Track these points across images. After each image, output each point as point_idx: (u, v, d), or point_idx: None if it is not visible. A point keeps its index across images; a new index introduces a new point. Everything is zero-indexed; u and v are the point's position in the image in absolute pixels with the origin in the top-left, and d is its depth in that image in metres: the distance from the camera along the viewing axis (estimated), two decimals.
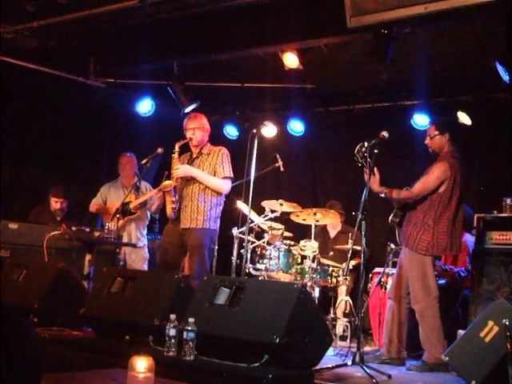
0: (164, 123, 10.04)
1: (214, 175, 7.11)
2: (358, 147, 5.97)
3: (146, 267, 8.72)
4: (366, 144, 5.94)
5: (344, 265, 8.02)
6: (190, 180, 7.11)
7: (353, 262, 8.24)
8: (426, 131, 6.61)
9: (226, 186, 7.15)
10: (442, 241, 6.15)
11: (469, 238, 7.44)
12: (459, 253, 6.71)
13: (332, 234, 9.19)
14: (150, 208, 8.53)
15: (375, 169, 6.14)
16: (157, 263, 9.05)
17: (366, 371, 5.21)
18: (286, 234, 8.17)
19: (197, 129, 7.19)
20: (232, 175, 7.18)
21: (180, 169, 7.05)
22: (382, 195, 6.26)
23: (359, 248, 6.29)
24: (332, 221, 8.62)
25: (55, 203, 8.82)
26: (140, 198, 8.54)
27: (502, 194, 7.04)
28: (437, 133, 6.37)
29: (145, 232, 8.89)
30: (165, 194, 7.18)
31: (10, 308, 2.51)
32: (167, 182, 7.06)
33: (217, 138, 7.61)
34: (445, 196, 6.17)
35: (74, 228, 7.32)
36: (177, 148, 7.15)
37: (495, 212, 6.94)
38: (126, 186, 8.73)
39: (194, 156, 7.27)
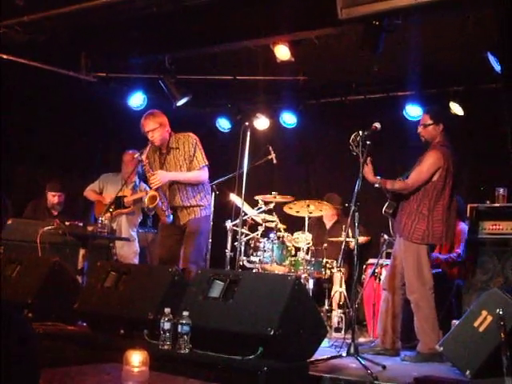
0: None
1: (190, 165, 6.96)
2: (353, 136, 5.96)
3: (136, 261, 8.76)
4: (360, 133, 5.94)
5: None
6: (171, 181, 6.99)
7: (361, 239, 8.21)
8: (420, 119, 6.57)
9: (204, 176, 7.04)
10: (437, 229, 6.14)
11: (463, 227, 7.45)
12: (454, 241, 6.73)
13: (328, 225, 9.19)
14: (145, 205, 8.59)
15: (368, 159, 6.14)
16: (150, 256, 9.10)
17: (360, 362, 5.22)
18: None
19: (153, 130, 6.98)
20: (206, 161, 7.00)
21: (156, 179, 6.85)
22: (377, 185, 6.26)
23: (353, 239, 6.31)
24: (325, 213, 8.62)
25: (53, 197, 8.84)
26: (136, 194, 8.59)
27: (495, 184, 7.06)
28: (431, 122, 6.33)
29: (136, 227, 8.93)
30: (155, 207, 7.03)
31: (7, 304, 2.51)
32: (151, 195, 6.89)
33: (209, 130, 7.59)
34: (438, 185, 6.16)
35: (67, 223, 7.33)
36: (144, 159, 6.99)
37: (488, 202, 6.96)
38: (126, 182, 8.73)
39: (164, 152, 7.08)
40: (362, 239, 8.15)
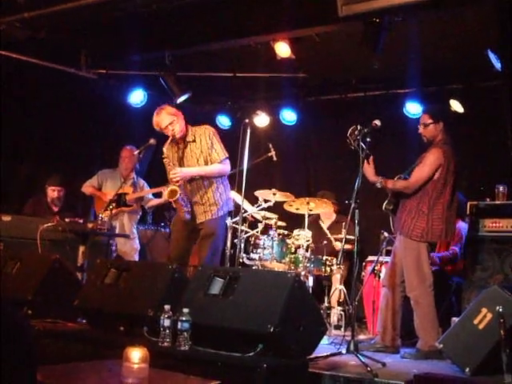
0: None
1: (209, 158, 6.94)
2: (350, 130, 5.95)
3: (136, 258, 8.76)
4: (358, 127, 5.93)
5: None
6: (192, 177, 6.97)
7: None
8: (419, 120, 6.57)
9: (226, 167, 7.03)
10: (436, 227, 6.14)
11: (462, 225, 7.46)
12: (452, 239, 6.73)
13: (326, 224, 9.20)
14: (146, 203, 8.61)
15: (370, 158, 6.15)
16: (150, 253, 9.11)
17: (360, 359, 5.21)
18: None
19: (172, 124, 6.89)
20: (226, 154, 6.99)
21: (178, 174, 6.77)
22: (378, 185, 6.28)
23: (352, 237, 6.30)
24: (325, 210, 8.64)
25: (52, 192, 8.82)
26: (138, 193, 8.58)
27: (495, 182, 7.06)
28: (431, 121, 6.34)
29: (136, 224, 8.94)
30: (174, 203, 6.94)
31: (4, 300, 2.51)
32: (171, 190, 6.79)
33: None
34: (439, 183, 6.16)
35: (67, 220, 7.34)
36: (165, 152, 6.94)
37: (488, 199, 6.96)
38: (124, 178, 8.76)
39: (182, 146, 7.03)
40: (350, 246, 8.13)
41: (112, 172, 9.01)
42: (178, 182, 6.80)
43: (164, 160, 6.99)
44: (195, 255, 7.23)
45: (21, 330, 2.49)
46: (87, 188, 8.96)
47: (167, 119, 6.90)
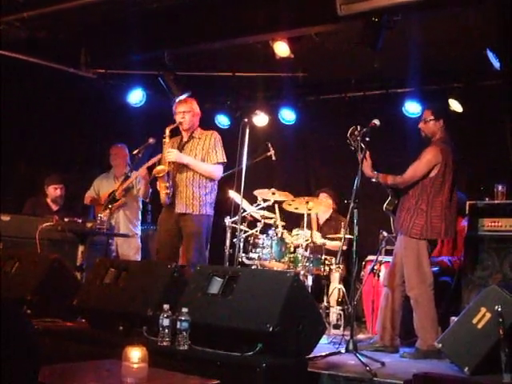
0: (155, 113, 10.00)
1: (207, 157, 7.06)
2: (350, 130, 5.98)
3: (138, 257, 8.70)
4: (358, 127, 5.95)
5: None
6: (183, 165, 7.04)
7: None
8: (421, 115, 6.59)
9: (217, 172, 7.12)
10: (435, 224, 6.14)
11: (466, 224, 7.43)
12: (457, 238, 6.72)
13: (321, 219, 9.18)
14: (138, 193, 8.51)
15: (367, 153, 6.15)
16: (150, 253, 9.06)
17: (359, 359, 5.22)
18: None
19: (186, 112, 7.14)
20: (225, 160, 7.12)
21: (172, 153, 6.97)
22: (374, 180, 6.29)
23: (351, 236, 6.30)
24: (324, 209, 8.64)
25: (55, 190, 8.81)
26: (124, 183, 8.46)
27: (494, 181, 7.05)
28: (432, 117, 6.36)
29: (138, 222, 8.87)
30: (158, 179, 7.07)
31: (6, 300, 2.51)
32: (160, 167, 6.98)
33: (208, 127, 7.59)
34: (437, 181, 6.17)
35: (66, 219, 7.33)
36: (167, 132, 7.10)
37: (487, 199, 6.95)
38: (118, 176, 8.75)
39: (185, 140, 7.20)
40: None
41: (106, 175, 9.00)
42: (170, 160, 6.98)
43: (163, 139, 7.14)
44: (183, 256, 7.25)
45: (23, 330, 2.49)
46: (87, 199, 8.95)
47: (186, 107, 7.20)
